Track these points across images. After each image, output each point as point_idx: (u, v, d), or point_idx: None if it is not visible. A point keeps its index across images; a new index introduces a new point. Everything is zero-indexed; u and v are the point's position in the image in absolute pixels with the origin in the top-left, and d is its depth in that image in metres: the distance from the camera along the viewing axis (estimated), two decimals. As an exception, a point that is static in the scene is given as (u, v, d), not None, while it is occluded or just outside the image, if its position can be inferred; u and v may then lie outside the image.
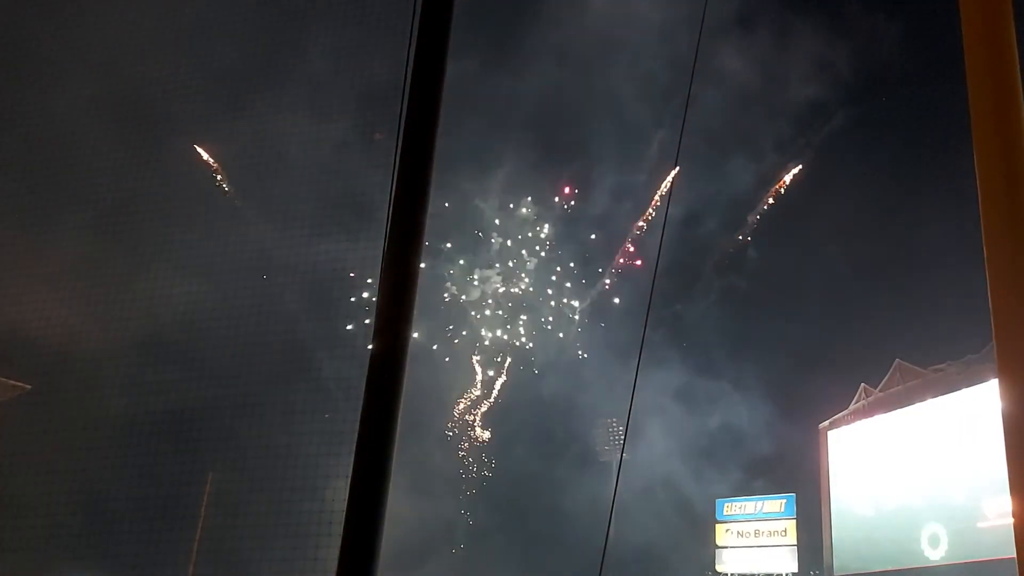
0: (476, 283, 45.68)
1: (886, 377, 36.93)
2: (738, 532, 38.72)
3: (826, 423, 38.87)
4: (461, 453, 44.41)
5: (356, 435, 4.40)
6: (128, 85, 25.02)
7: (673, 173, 37.69)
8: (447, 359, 44.94)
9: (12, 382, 26.07)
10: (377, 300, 4.56)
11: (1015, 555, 3.86)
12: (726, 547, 38.87)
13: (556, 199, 45.51)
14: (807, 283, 43.54)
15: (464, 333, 45.85)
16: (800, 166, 45.01)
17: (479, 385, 45.41)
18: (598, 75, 42.96)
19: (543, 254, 46.15)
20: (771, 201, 44.44)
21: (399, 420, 4.39)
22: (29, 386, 26.48)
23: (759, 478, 40.02)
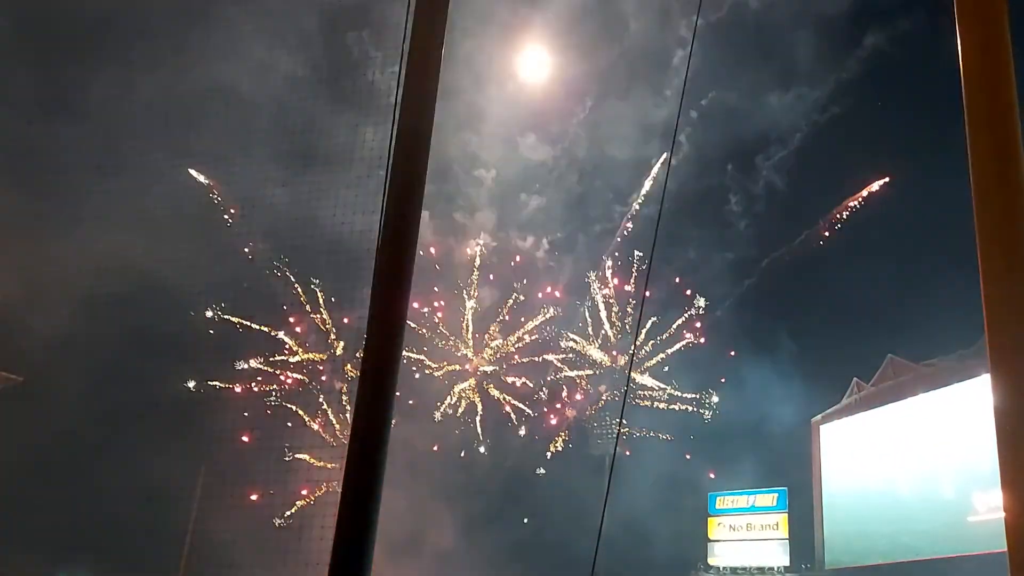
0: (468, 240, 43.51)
1: (878, 372, 37.05)
2: (730, 526, 38.82)
3: (818, 417, 38.99)
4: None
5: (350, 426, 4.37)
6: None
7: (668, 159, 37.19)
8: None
9: (3, 373, 25.95)
10: (374, 278, 4.48)
11: (1005, 549, 3.88)
12: (718, 540, 38.98)
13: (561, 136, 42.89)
14: (802, 279, 43.36)
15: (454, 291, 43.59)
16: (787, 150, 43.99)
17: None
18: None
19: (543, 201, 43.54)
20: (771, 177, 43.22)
21: (392, 411, 4.37)
22: (21, 378, 26.37)
23: (751, 472, 40.03)
